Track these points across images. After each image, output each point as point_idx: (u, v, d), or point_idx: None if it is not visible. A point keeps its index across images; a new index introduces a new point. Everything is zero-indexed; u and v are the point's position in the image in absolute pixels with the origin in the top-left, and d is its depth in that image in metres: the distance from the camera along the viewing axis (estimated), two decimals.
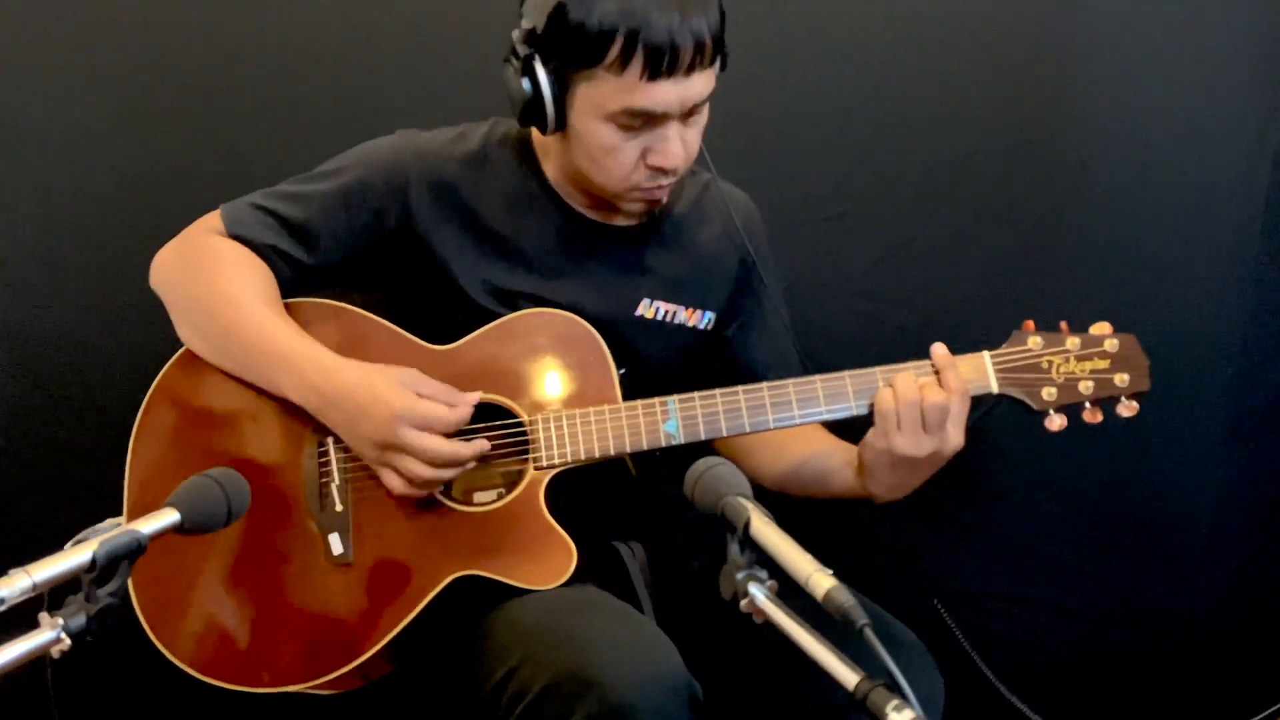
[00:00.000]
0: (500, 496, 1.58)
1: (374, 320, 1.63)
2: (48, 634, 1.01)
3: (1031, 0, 2.13)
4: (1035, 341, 1.58)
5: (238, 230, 1.62)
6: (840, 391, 1.56)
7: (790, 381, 1.56)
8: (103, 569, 1.05)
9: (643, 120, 1.51)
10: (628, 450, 1.56)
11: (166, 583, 1.55)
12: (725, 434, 1.56)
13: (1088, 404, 1.57)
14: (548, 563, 1.50)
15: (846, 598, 1.00)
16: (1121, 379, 1.56)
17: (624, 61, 1.46)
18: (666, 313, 1.70)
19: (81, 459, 1.98)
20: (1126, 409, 1.57)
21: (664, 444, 1.56)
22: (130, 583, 1.50)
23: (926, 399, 1.51)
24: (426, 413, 1.50)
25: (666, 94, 1.49)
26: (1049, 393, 1.57)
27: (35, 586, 1.01)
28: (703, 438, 1.56)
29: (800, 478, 1.72)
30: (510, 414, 1.59)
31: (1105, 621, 2.22)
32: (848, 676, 0.98)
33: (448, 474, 1.53)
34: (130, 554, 1.08)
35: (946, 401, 1.50)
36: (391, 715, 1.70)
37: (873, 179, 2.14)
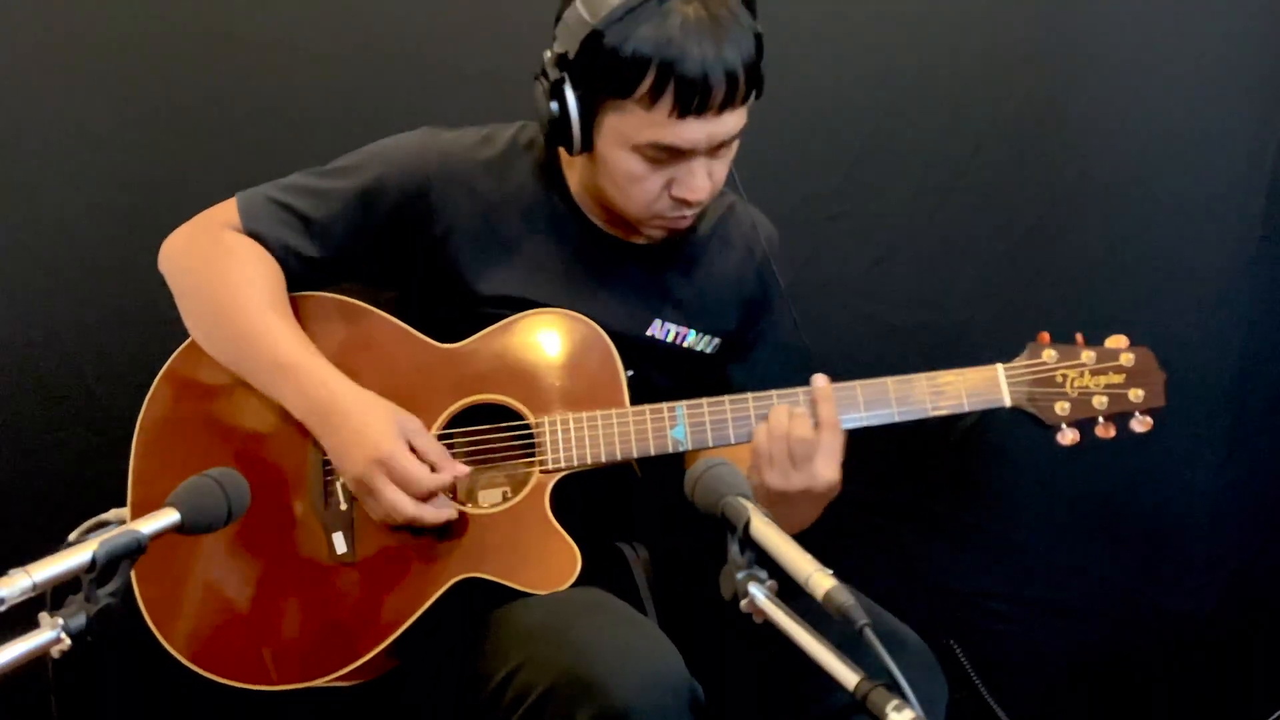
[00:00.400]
0: (505, 498, 1.58)
1: (381, 317, 1.63)
2: (48, 634, 1.00)
3: (1031, 1, 2.13)
4: (1050, 354, 1.56)
5: (252, 225, 1.61)
6: (851, 401, 1.55)
7: (801, 390, 1.55)
8: (103, 569, 1.05)
9: (669, 154, 1.50)
10: (634, 455, 1.55)
11: (171, 579, 1.56)
12: (733, 441, 1.54)
13: (1101, 419, 1.55)
14: (552, 567, 1.50)
15: (846, 598, 1.00)
16: (1136, 394, 1.55)
17: (654, 96, 1.45)
18: (677, 335, 1.69)
19: (81, 458, 1.98)
20: (1140, 424, 1.55)
21: (671, 450, 1.55)
22: (134, 578, 1.53)
23: (792, 433, 1.49)
24: (406, 470, 1.49)
25: (695, 132, 1.47)
26: (1062, 407, 1.55)
27: (35, 586, 1.01)
28: (710, 445, 1.56)
29: None
30: (517, 415, 1.58)
31: (1105, 622, 2.22)
32: (848, 676, 0.98)
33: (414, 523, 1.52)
34: (130, 554, 1.08)
35: (812, 436, 1.49)
36: (392, 714, 1.70)
37: (873, 179, 2.14)
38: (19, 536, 1.95)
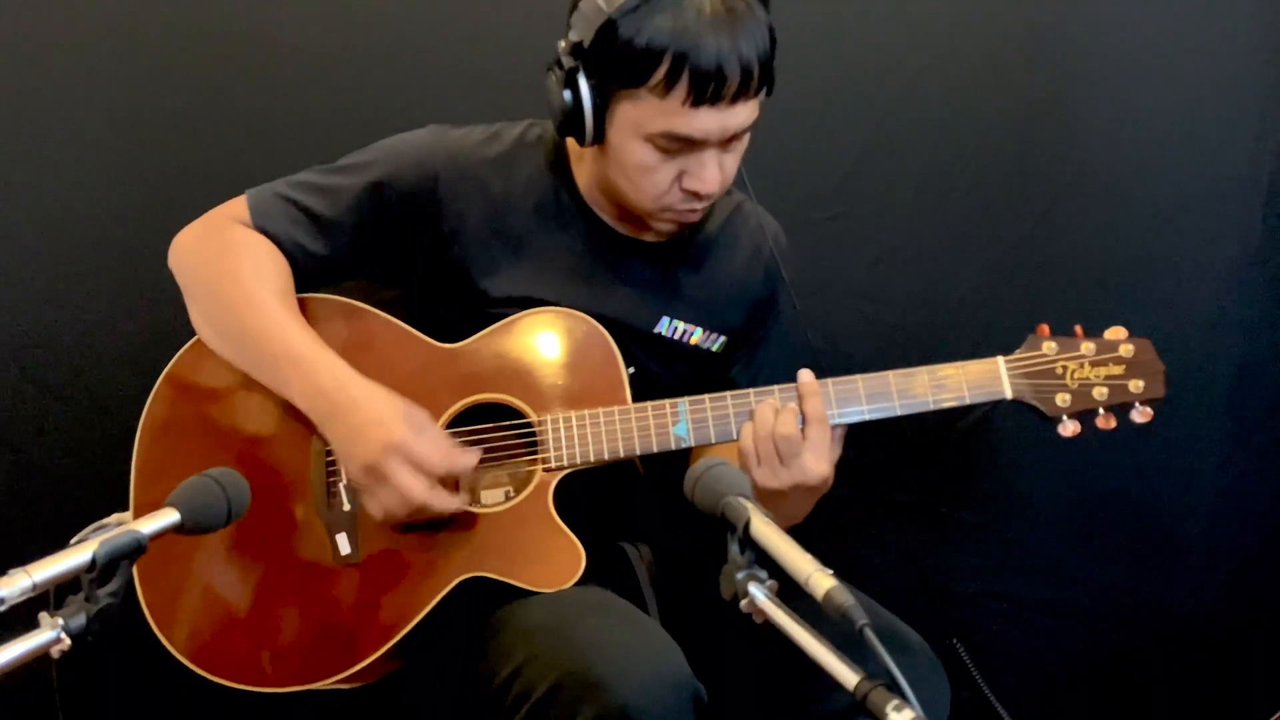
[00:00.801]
0: (508, 497, 1.58)
1: (383, 318, 1.63)
2: (48, 634, 1.01)
3: (1032, 1, 2.13)
4: (1050, 346, 1.57)
5: (262, 222, 1.61)
6: (853, 395, 1.55)
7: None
8: (103, 569, 1.05)
9: (681, 144, 1.50)
10: (637, 453, 1.55)
11: (174, 581, 1.56)
12: (736, 438, 1.54)
13: (1101, 410, 1.56)
14: (556, 565, 1.50)
15: (846, 598, 1.00)
16: (1136, 385, 1.55)
17: (669, 85, 1.45)
18: (684, 332, 1.69)
19: (82, 458, 1.98)
20: (1141, 415, 1.56)
21: (673, 447, 1.56)
22: (137, 580, 1.53)
23: (777, 430, 1.49)
24: (421, 452, 1.48)
25: (708, 121, 1.48)
26: (1063, 399, 1.55)
27: (35, 586, 1.01)
28: (714, 441, 1.56)
29: None
30: (519, 414, 1.58)
31: (1105, 621, 2.22)
32: (848, 676, 0.98)
33: (421, 517, 1.51)
34: (130, 554, 1.08)
35: (797, 433, 1.49)
36: (395, 714, 1.70)
37: (873, 179, 2.14)
38: (19, 536, 1.95)
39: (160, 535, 1.13)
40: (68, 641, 1.01)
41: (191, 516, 1.17)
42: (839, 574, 1.04)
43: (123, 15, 1.97)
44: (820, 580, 1.03)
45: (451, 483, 1.54)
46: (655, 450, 1.55)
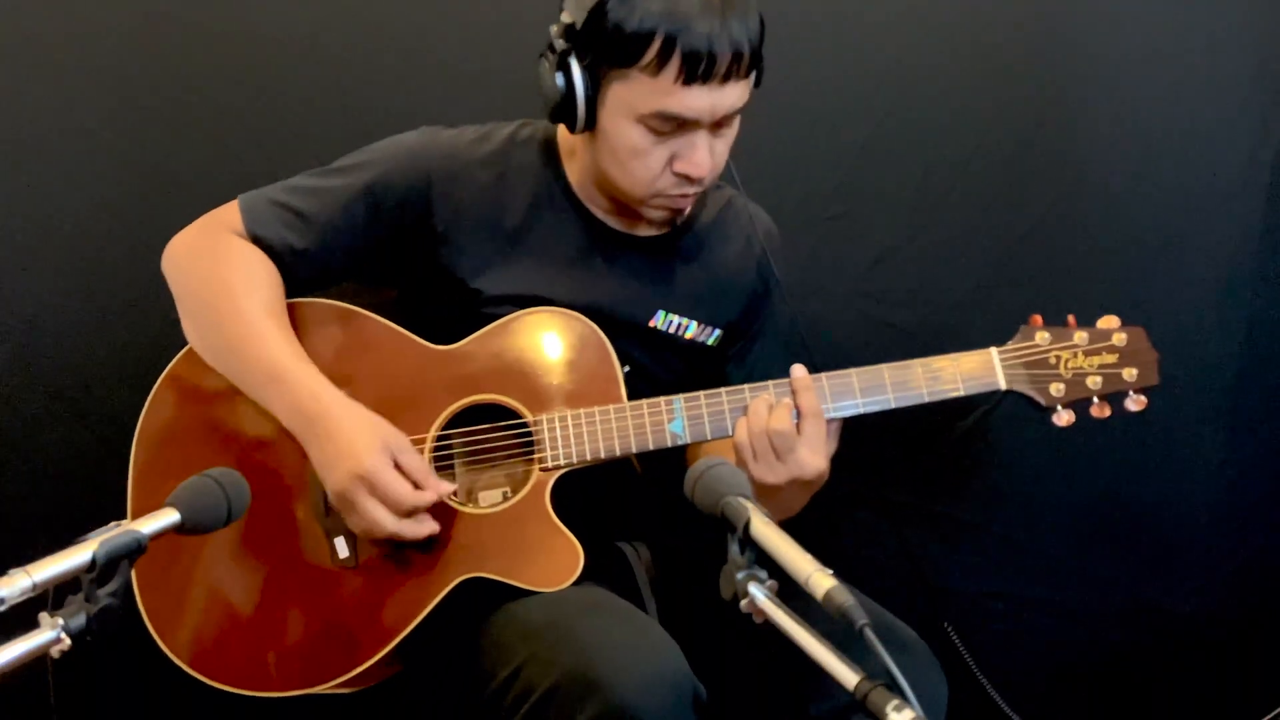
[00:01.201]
0: (506, 497, 1.58)
1: (378, 321, 1.63)
2: (48, 634, 1.01)
3: (1032, 1, 2.13)
4: (1043, 336, 1.58)
5: (255, 228, 1.61)
6: (847, 388, 1.55)
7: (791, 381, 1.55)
8: (103, 569, 1.05)
9: (673, 125, 1.50)
10: (633, 451, 1.55)
11: (173, 586, 1.56)
12: (731, 434, 1.54)
13: (1096, 399, 1.56)
14: (555, 564, 1.50)
15: (846, 598, 1.00)
16: (1130, 373, 1.56)
17: (660, 64, 1.46)
18: (679, 326, 1.69)
19: (81, 459, 1.98)
20: (1135, 403, 1.57)
21: (670, 444, 1.56)
22: (136, 588, 1.53)
23: (771, 426, 1.50)
24: (388, 487, 1.48)
25: (699, 100, 1.48)
26: (1057, 389, 1.56)
27: (35, 586, 1.01)
28: (709, 438, 1.56)
29: None
30: (515, 414, 1.58)
31: (1105, 621, 2.23)
32: (848, 676, 0.98)
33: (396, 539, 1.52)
34: (130, 554, 1.08)
35: (791, 428, 1.49)
36: (395, 714, 1.70)
37: (873, 179, 2.14)
38: (19, 536, 1.95)
39: (160, 535, 1.13)
40: (67, 642, 1.01)
41: (192, 516, 1.16)
42: (838, 573, 1.04)
43: (123, 15, 1.97)
44: (820, 580, 1.03)
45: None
46: (651, 448, 1.55)
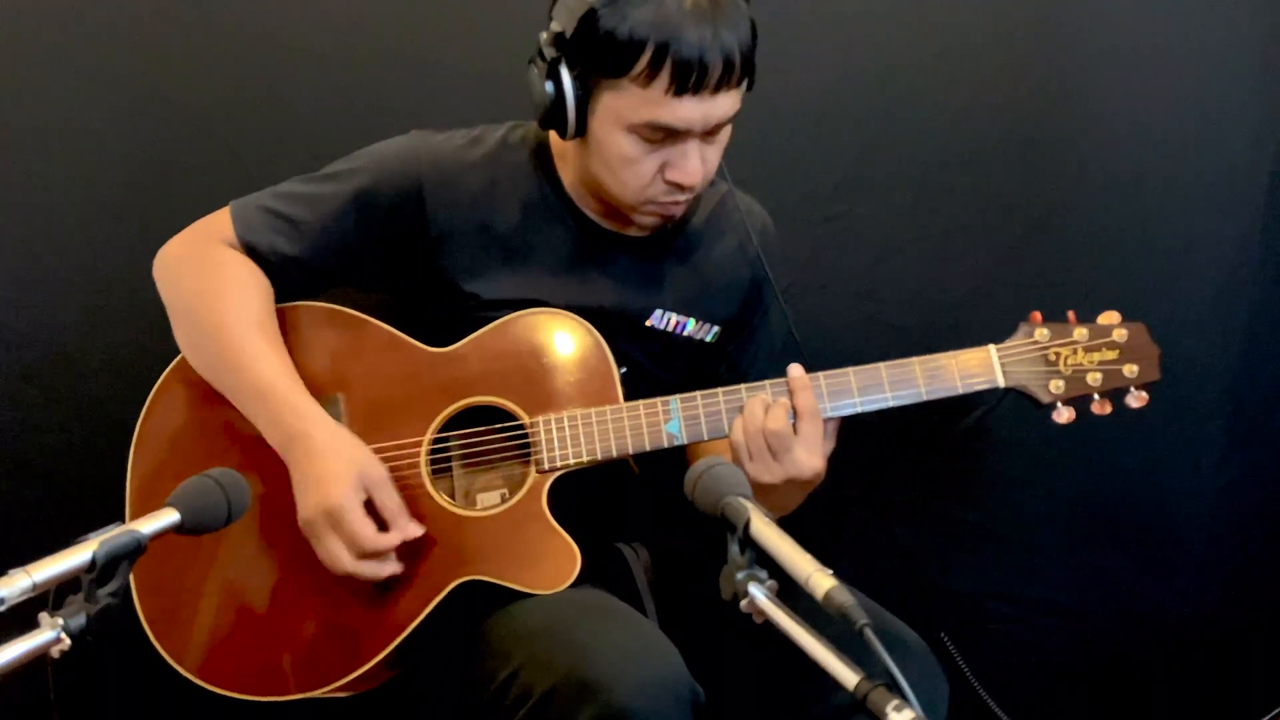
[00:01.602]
0: (504, 499, 1.58)
1: (373, 324, 1.63)
2: (48, 634, 1.00)
3: (1032, 1, 2.13)
4: (1042, 333, 1.57)
5: (246, 235, 1.61)
6: (845, 387, 1.55)
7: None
8: (103, 569, 1.05)
9: (664, 135, 1.50)
10: (630, 451, 1.55)
11: (171, 591, 1.56)
12: (728, 434, 1.54)
13: (1096, 396, 1.55)
14: (552, 567, 1.50)
15: (846, 598, 1.00)
16: (1131, 370, 1.55)
17: (651, 74, 1.45)
18: (676, 324, 1.69)
19: (81, 459, 1.98)
20: (1136, 400, 1.56)
21: (666, 445, 1.55)
22: (135, 593, 1.53)
23: (768, 426, 1.49)
24: (351, 526, 1.48)
25: (690, 111, 1.48)
26: (1056, 386, 1.55)
27: (35, 586, 1.01)
28: (706, 438, 1.56)
29: None
30: (511, 416, 1.58)
31: (1105, 621, 2.22)
32: (848, 677, 0.98)
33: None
34: (130, 554, 1.08)
35: (787, 428, 1.49)
36: (393, 718, 1.70)
37: (873, 179, 2.14)
38: (19, 536, 1.95)
39: (160, 535, 1.12)
40: (67, 641, 1.01)
41: (192, 516, 1.16)
42: (838, 573, 1.04)
43: (121, 15, 1.97)
44: (820, 580, 1.03)
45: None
46: (648, 448, 1.55)
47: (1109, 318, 1.58)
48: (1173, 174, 2.15)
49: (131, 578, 1.23)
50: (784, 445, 1.49)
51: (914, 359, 1.56)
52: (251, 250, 1.61)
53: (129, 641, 1.50)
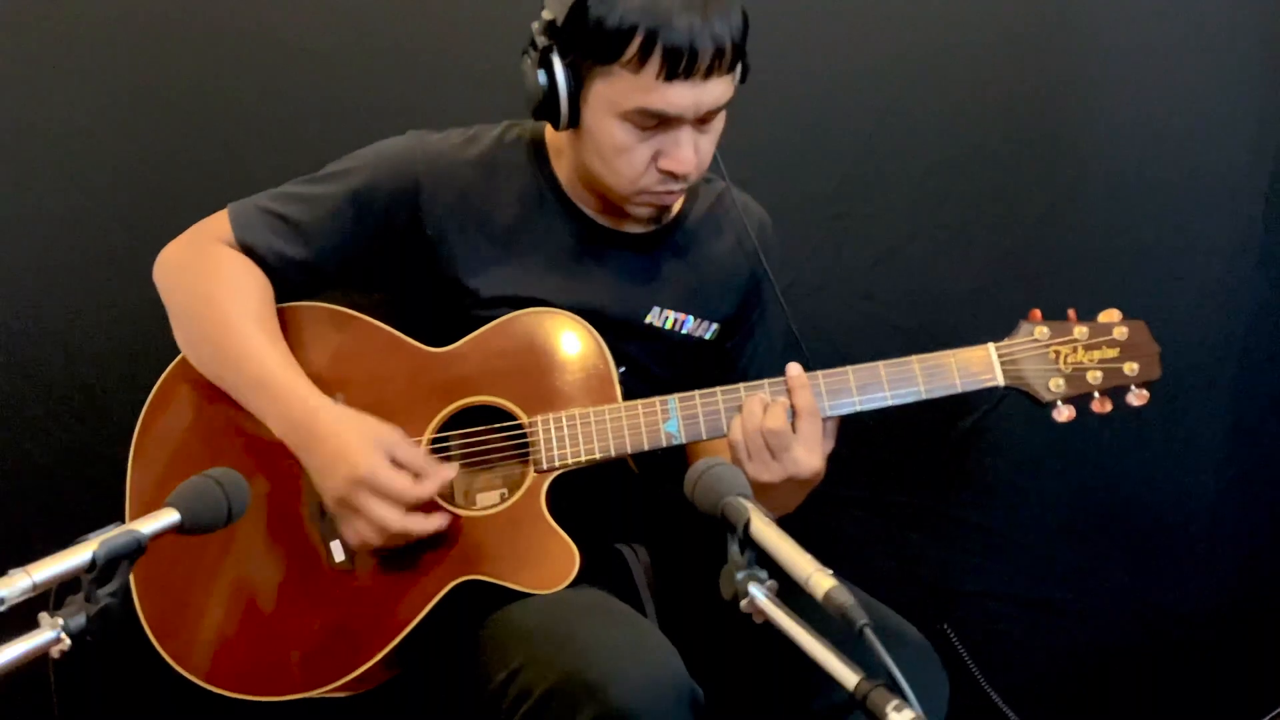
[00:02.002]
0: (502, 499, 1.58)
1: (371, 324, 1.63)
2: (48, 634, 1.00)
3: (1031, 0, 2.13)
4: (1042, 331, 1.56)
5: (244, 236, 1.61)
6: (844, 386, 1.55)
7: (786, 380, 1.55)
8: (103, 569, 1.05)
9: (656, 121, 1.50)
10: (629, 451, 1.55)
11: (171, 592, 1.56)
12: (726, 433, 1.54)
13: (1096, 394, 1.54)
14: (551, 567, 1.50)
15: (846, 598, 1.00)
16: (1131, 368, 1.54)
17: (641, 60, 1.45)
18: (675, 321, 1.69)
19: (81, 459, 1.98)
20: (1137, 398, 1.55)
21: (665, 444, 1.55)
22: (135, 595, 1.53)
23: (766, 425, 1.49)
24: (389, 483, 1.48)
25: (682, 96, 1.47)
26: (1056, 384, 1.54)
27: (35, 586, 1.01)
28: (704, 437, 1.55)
29: None
30: (510, 416, 1.58)
31: (1105, 621, 2.22)
32: (848, 676, 0.98)
33: (402, 542, 1.51)
34: (130, 554, 1.08)
35: (786, 427, 1.49)
36: (393, 716, 1.70)
37: (873, 179, 2.14)
38: (19, 536, 1.95)
39: (160, 535, 1.12)
40: (68, 641, 1.01)
41: (192, 516, 1.16)
42: (838, 573, 1.04)
43: (122, 15, 1.97)
44: (820, 580, 1.03)
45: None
46: (647, 448, 1.55)
47: (1109, 315, 1.57)
48: (1173, 174, 2.15)
49: (132, 578, 1.23)
50: (783, 444, 1.49)
51: (913, 357, 1.55)
52: (250, 251, 1.61)
53: (130, 641, 1.50)
